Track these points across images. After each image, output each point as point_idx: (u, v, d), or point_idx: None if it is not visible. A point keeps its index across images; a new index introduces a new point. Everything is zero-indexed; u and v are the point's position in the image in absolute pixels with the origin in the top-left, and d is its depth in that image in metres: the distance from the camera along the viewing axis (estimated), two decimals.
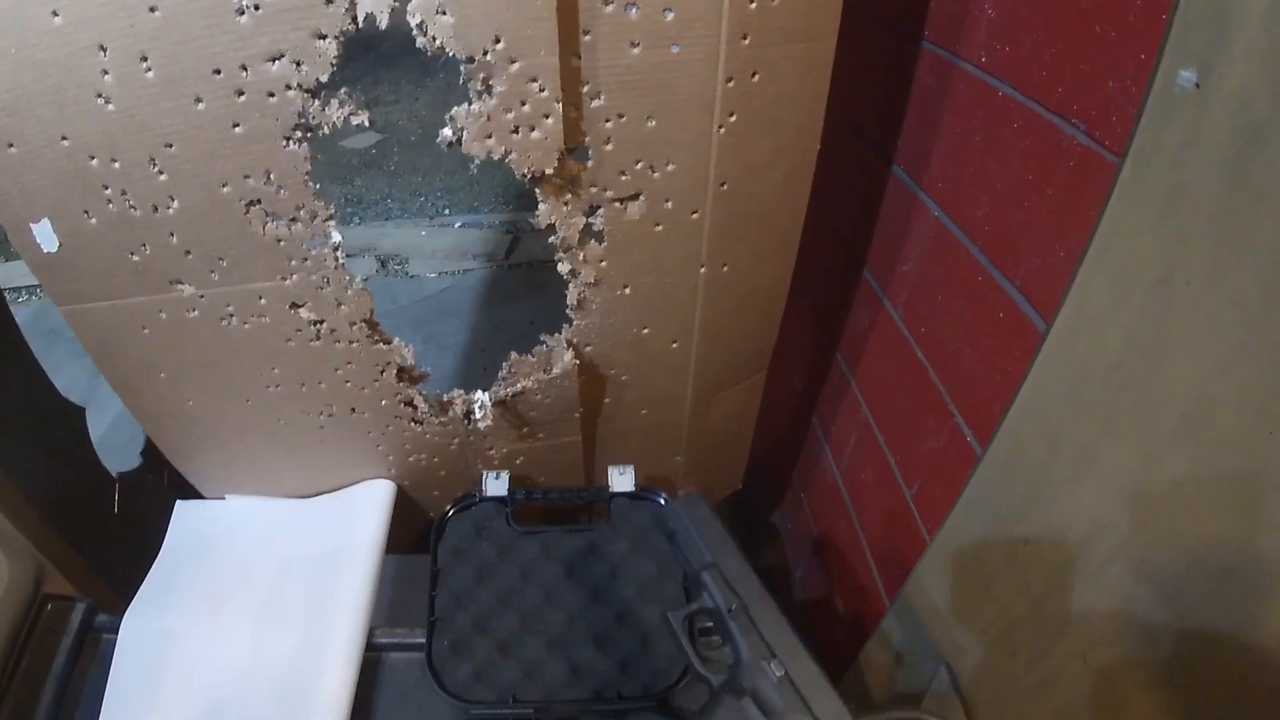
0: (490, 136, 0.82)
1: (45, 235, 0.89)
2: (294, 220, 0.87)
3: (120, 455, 1.57)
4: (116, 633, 1.15)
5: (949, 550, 1.08)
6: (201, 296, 0.95)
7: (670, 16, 0.79)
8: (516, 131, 0.82)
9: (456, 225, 3.30)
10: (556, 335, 1.04)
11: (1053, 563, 0.83)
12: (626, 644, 1.08)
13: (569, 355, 1.04)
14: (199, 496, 1.33)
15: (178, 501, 1.33)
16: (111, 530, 1.48)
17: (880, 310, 1.25)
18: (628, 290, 1.00)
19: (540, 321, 2.81)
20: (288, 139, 0.82)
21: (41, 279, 0.95)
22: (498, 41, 0.76)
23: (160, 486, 1.55)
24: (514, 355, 1.06)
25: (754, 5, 0.80)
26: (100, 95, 0.78)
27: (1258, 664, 0.60)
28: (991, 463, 0.95)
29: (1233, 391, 0.58)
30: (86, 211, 0.87)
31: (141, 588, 1.21)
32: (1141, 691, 0.71)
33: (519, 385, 1.07)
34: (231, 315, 0.97)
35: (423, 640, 1.10)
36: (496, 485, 1.18)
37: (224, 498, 1.31)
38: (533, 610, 1.10)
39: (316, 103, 0.80)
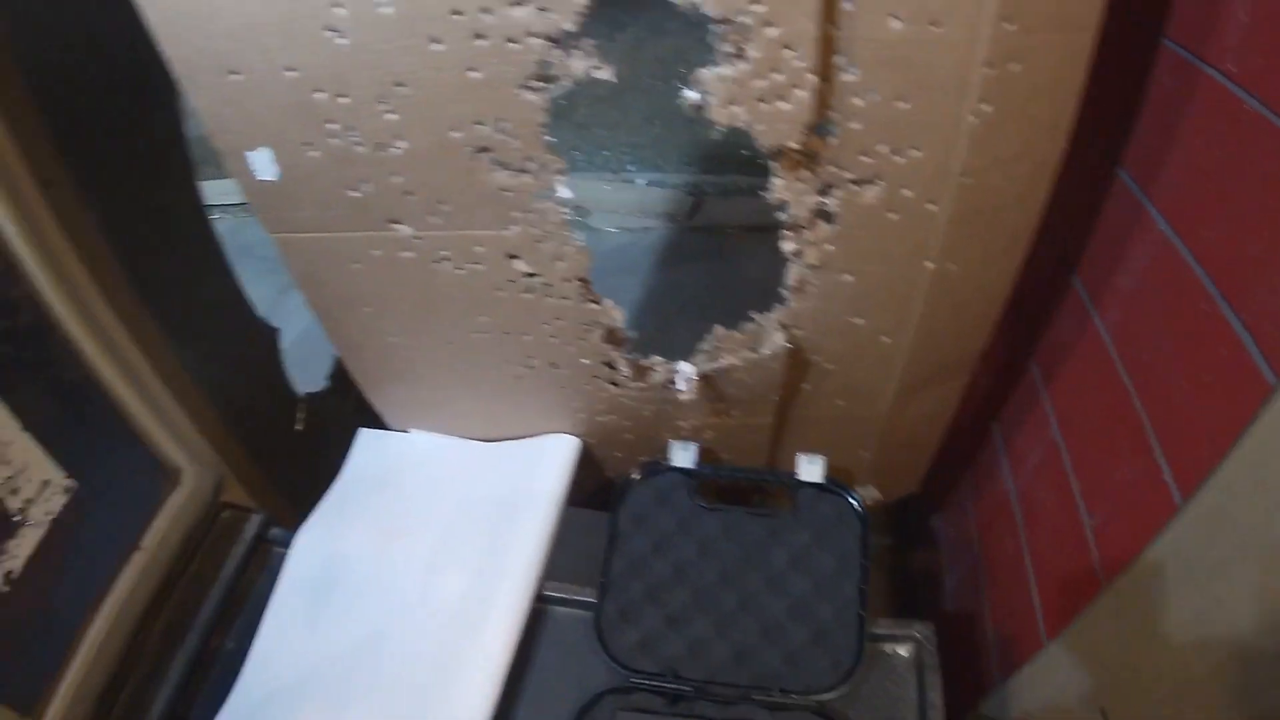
0: (736, 103, 0.79)
1: (263, 164, 0.90)
2: (523, 171, 0.87)
3: (301, 373, 1.62)
4: (288, 547, 1.22)
5: (1129, 593, 1.02)
6: (418, 238, 0.96)
7: None
8: (764, 101, 0.79)
9: (640, 182, 3.28)
10: (767, 314, 1.02)
11: (1248, 628, 0.79)
12: (795, 638, 1.07)
13: (781, 337, 1.02)
14: (382, 426, 1.37)
15: (361, 429, 1.37)
16: (292, 449, 1.55)
17: (1087, 323, 1.17)
18: (849, 277, 0.96)
19: (716, 288, 2.81)
20: (525, 87, 0.80)
21: (255, 205, 0.97)
22: (756, 3, 0.73)
23: (344, 411, 1.62)
24: (719, 329, 1.04)
25: None
26: (331, 29, 0.77)
27: None
28: (1197, 511, 0.88)
29: None
30: (308, 144, 0.87)
31: (317, 508, 1.27)
32: None
33: (724, 361, 1.05)
34: (446, 259, 0.98)
35: (593, 600, 1.11)
36: (684, 456, 1.18)
37: (408, 431, 1.35)
38: (706, 588, 1.11)
39: (559, 52, 0.77)
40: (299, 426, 1.56)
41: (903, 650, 1.13)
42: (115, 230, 1.11)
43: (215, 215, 3.17)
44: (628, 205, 3.15)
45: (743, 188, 3.16)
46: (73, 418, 1.07)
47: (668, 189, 3.22)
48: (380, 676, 1.08)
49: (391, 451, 1.34)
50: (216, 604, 1.18)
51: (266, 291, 2.29)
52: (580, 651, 1.12)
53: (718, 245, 2.95)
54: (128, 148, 1.19)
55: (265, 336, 1.52)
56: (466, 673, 1.05)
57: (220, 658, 1.15)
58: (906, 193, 0.88)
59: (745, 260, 2.77)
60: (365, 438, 1.37)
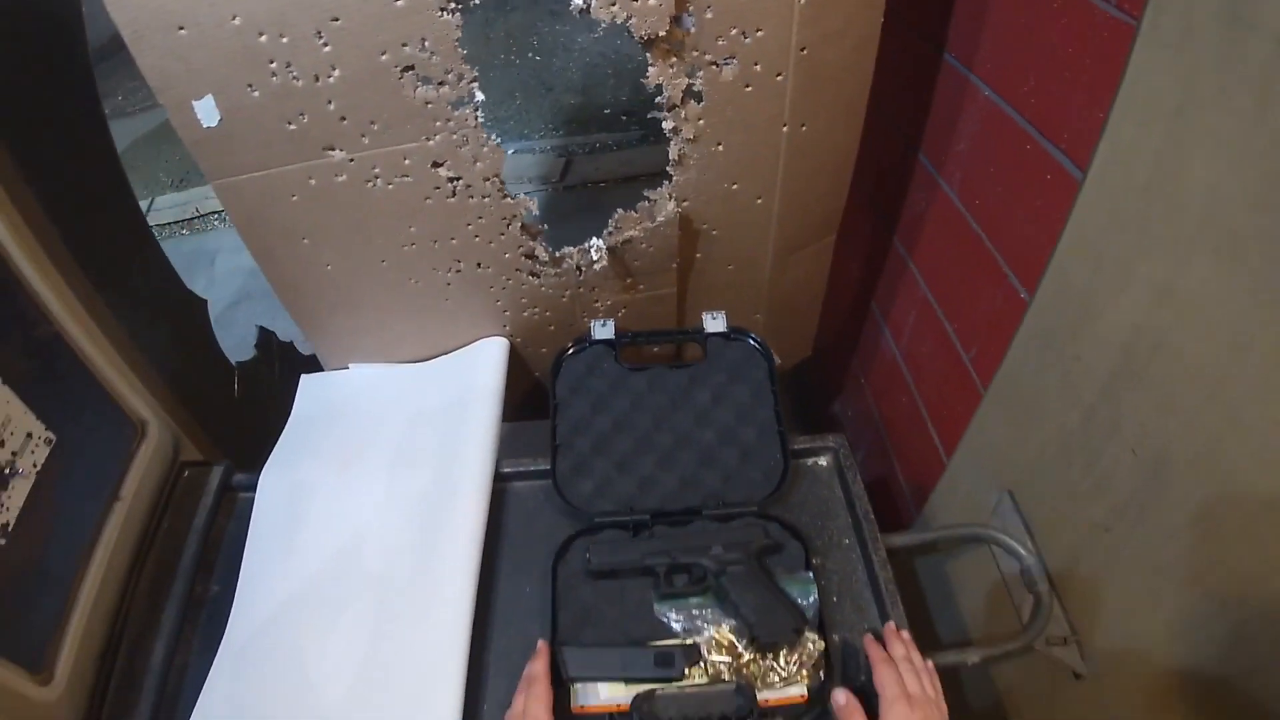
0: (615, 4, 0.99)
1: (207, 111, 1.04)
2: (442, 84, 1.05)
3: (230, 349, 1.76)
4: (253, 491, 1.33)
5: (1006, 388, 1.25)
6: (351, 160, 1.12)
7: None
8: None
9: (510, 152, 3.51)
10: (659, 189, 1.23)
11: (1102, 370, 1.00)
12: (728, 459, 1.28)
13: (671, 205, 1.22)
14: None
15: (302, 376, 1.50)
16: (233, 414, 1.68)
17: (936, 191, 1.42)
18: (720, 147, 1.18)
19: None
20: (443, 9, 0.98)
21: (198, 155, 1.10)
22: None
23: (272, 378, 1.77)
24: (620, 211, 1.25)
25: None
26: None
27: None
28: (1042, 299, 1.12)
29: (1239, 186, 0.75)
30: (250, 85, 1.02)
31: (275, 449, 1.39)
32: (1185, 470, 0.89)
33: (626, 234, 1.26)
34: (377, 177, 1.14)
35: (546, 467, 1.29)
36: (604, 330, 1.37)
37: (347, 368, 1.49)
38: (644, 433, 1.30)
39: None
40: (236, 393, 1.70)
41: (823, 460, 1.37)
42: (51, 205, 1.21)
43: None
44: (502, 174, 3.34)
45: (608, 144, 3.40)
46: (46, 373, 1.16)
47: (537, 154, 3.44)
48: (365, 577, 1.21)
49: (335, 388, 1.47)
50: (195, 553, 1.27)
51: None
52: (545, 513, 1.30)
53: (592, 199, 3.18)
54: (52, 126, 1.30)
55: (196, 308, 1.65)
56: (445, 553, 1.19)
57: (208, 603, 1.25)
58: (757, 68, 1.10)
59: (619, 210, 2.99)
60: (308, 381, 1.49)
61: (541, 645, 1.10)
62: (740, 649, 1.11)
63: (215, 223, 3.42)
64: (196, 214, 3.48)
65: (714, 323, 1.38)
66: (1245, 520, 0.82)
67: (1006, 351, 1.23)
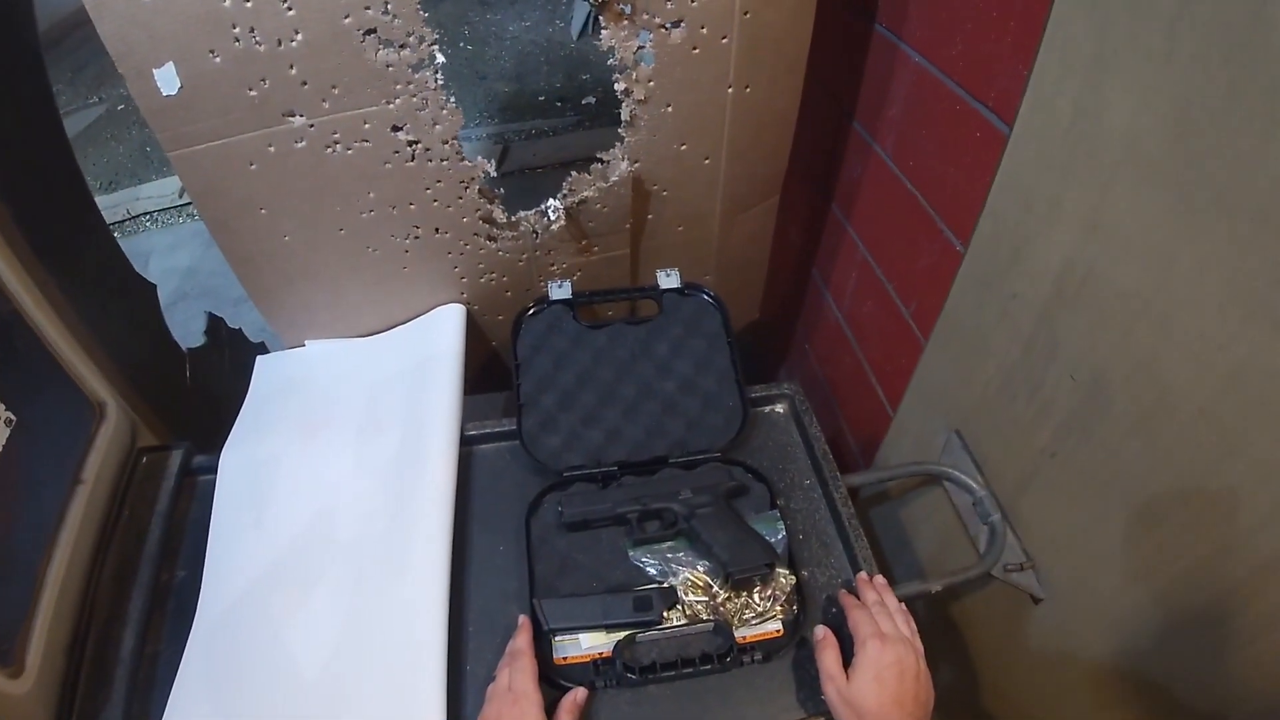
0: None
1: (167, 78, 1.04)
2: (404, 46, 1.08)
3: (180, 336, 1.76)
4: (215, 473, 1.32)
5: (947, 334, 1.32)
6: (311, 126, 1.13)
7: None
8: None
9: None
10: (612, 150, 1.28)
11: (1037, 302, 1.07)
12: (690, 408, 1.33)
13: (625, 164, 1.28)
14: None
15: (258, 356, 1.51)
16: (185, 401, 1.68)
17: (870, 155, 1.49)
18: (670, 108, 1.24)
19: None
20: None
21: (156, 124, 1.10)
22: None
23: (223, 364, 1.77)
24: (574, 173, 1.30)
25: None
26: None
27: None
28: (977, 247, 1.19)
29: (1154, 119, 0.82)
30: (212, 51, 1.03)
31: (235, 426, 1.39)
32: (1121, 388, 0.95)
33: (581, 194, 1.31)
34: (337, 142, 1.16)
35: (510, 428, 1.33)
36: (561, 291, 1.41)
37: (304, 344, 1.50)
38: (607, 387, 1.35)
39: None
40: (188, 381, 1.70)
41: (780, 408, 1.45)
42: (2, 184, 1.21)
43: None
44: None
45: (544, 130, 3.46)
46: (5, 352, 1.15)
47: (475, 142, 3.50)
48: (338, 545, 1.22)
49: (292, 365, 1.49)
50: (159, 539, 1.26)
51: None
52: (512, 473, 1.34)
53: (531, 185, 3.23)
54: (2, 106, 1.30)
55: (146, 292, 1.66)
56: (418, 515, 1.21)
57: (175, 589, 1.23)
58: (704, 31, 1.16)
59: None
60: (264, 361, 1.50)
61: (523, 620, 1.12)
62: (715, 588, 1.17)
63: (147, 224, 3.39)
64: (128, 215, 3.45)
65: (668, 279, 1.43)
66: (1181, 427, 0.88)
67: (945, 301, 1.30)
